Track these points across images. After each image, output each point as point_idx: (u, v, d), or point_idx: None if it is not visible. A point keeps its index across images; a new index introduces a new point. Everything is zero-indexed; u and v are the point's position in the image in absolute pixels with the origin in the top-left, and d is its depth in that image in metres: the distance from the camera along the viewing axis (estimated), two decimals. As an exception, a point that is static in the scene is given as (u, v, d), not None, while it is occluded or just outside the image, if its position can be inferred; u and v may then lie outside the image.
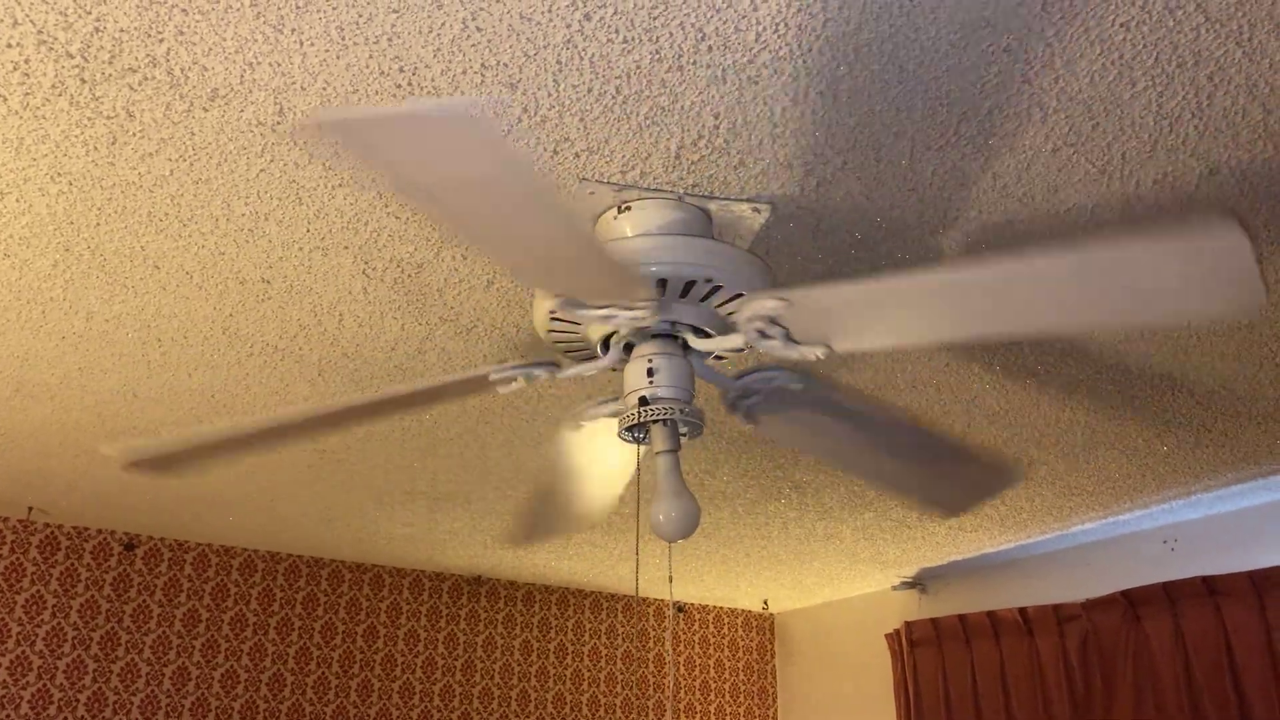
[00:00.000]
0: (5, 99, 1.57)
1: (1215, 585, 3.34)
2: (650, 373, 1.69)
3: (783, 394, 1.82)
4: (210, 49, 1.46)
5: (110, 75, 1.51)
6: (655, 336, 1.73)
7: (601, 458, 2.01)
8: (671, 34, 1.41)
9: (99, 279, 2.11)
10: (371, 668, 4.64)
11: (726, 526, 3.91)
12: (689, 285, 1.66)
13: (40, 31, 1.43)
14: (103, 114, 1.60)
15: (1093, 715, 3.67)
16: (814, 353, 1.62)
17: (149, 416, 2.87)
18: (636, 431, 1.72)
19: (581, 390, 2.61)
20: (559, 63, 1.47)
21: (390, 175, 1.21)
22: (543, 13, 1.37)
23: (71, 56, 1.47)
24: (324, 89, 1.53)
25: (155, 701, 4.16)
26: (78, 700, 4.01)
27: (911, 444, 2.04)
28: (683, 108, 1.55)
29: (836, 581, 4.85)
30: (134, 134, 1.64)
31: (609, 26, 1.40)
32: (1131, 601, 3.59)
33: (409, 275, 2.07)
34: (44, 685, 3.97)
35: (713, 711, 5.36)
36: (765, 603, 5.46)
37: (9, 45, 1.45)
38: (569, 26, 1.40)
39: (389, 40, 1.43)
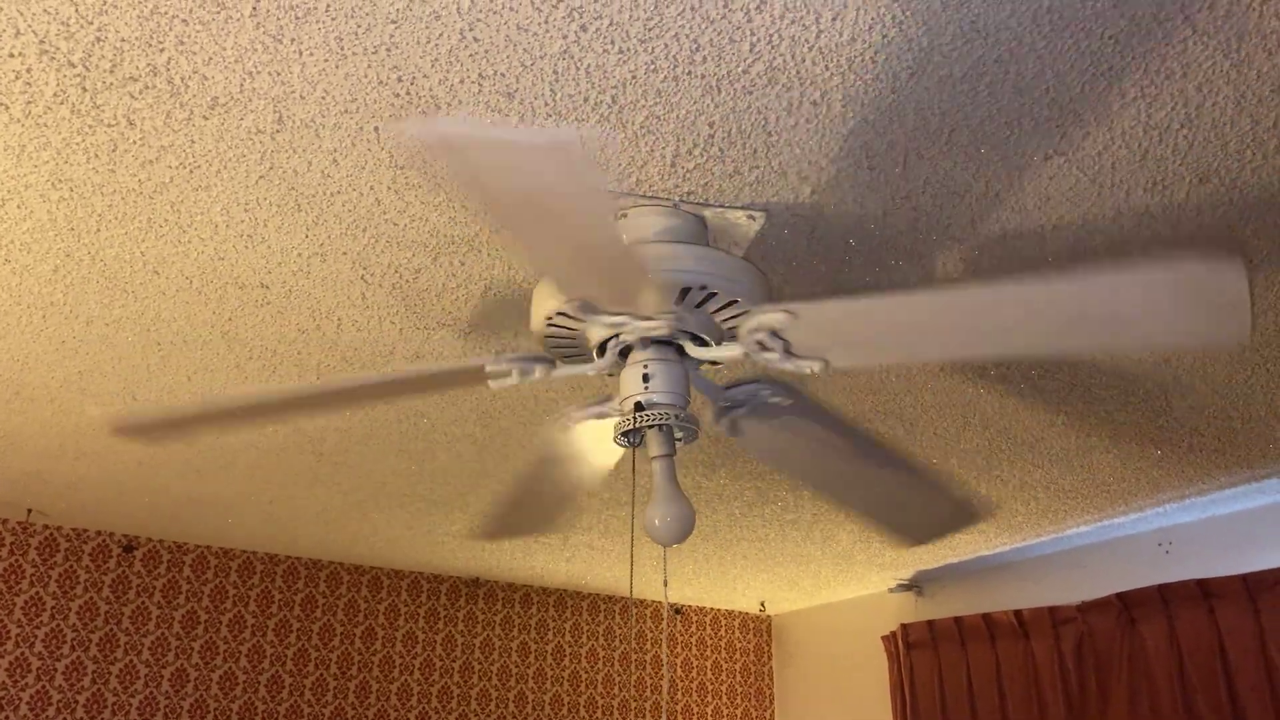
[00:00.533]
0: (7, 107, 1.58)
1: (1209, 588, 3.36)
2: (646, 378, 1.70)
3: (767, 407, 1.84)
4: (210, 58, 1.47)
5: (111, 84, 1.53)
6: (653, 342, 1.74)
7: (585, 458, 2.02)
8: (666, 45, 1.42)
9: (99, 284, 2.13)
10: (370, 669, 4.66)
11: (724, 529, 3.93)
12: (701, 294, 1.67)
13: (42, 41, 1.44)
14: (104, 122, 1.61)
15: (1087, 717, 3.69)
16: (810, 367, 1.64)
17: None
18: (632, 436, 1.74)
19: (578, 394, 2.62)
20: (555, 73, 1.48)
21: (471, 186, 1.25)
22: (539, 24, 1.39)
23: (73, 66, 1.49)
24: (323, 98, 1.55)
25: (154, 703, 4.17)
26: (76, 702, 4.03)
27: (884, 473, 2.07)
28: (678, 117, 1.57)
29: (833, 584, 4.87)
30: (134, 142, 1.66)
31: (605, 38, 1.41)
32: (1126, 604, 3.61)
33: (406, 281, 2.09)
34: (43, 686, 3.98)
35: (710, 713, 5.37)
36: (762, 605, 5.48)
37: (11, 55, 1.47)
38: (565, 37, 1.41)
39: (387, 50, 1.45)
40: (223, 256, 2.01)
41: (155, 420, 1.94)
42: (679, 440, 1.74)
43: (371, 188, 1.78)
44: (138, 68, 1.49)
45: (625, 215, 1.79)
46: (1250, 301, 1.35)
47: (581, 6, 1.36)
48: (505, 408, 2.76)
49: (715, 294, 1.66)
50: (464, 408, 2.77)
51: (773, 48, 1.42)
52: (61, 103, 1.57)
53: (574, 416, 1.88)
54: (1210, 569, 3.43)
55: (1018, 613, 4.04)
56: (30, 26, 1.41)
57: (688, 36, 1.41)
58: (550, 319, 1.70)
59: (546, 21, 1.39)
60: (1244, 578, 3.27)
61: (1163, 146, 1.63)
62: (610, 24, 1.39)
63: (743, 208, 1.80)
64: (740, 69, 1.47)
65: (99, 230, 1.93)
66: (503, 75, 1.49)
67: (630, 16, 1.37)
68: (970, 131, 1.59)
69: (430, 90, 1.52)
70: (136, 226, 1.91)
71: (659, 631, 5.45)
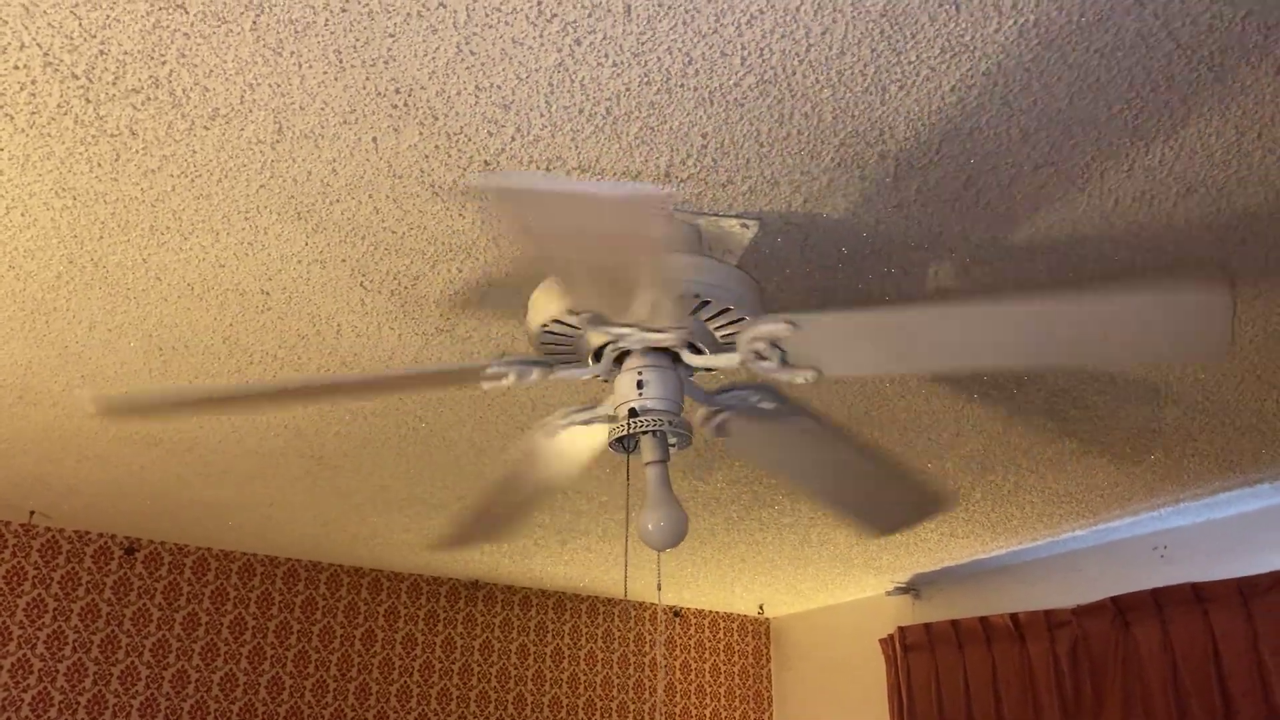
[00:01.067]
0: (12, 117, 1.61)
1: (1203, 592, 3.38)
2: (640, 384, 1.73)
3: (753, 411, 1.87)
4: (211, 70, 1.50)
5: (114, 95, 1.55)
6: (650, 349, 1.76)
7: (563, 463, 2.04)
8: (659, 58, 1.45)
9: (101, 290, 2.15)
10: (370, 671, 4.68)
11: (721, 532, 3.95)
12: (706, 306, 1.69)
13: (47, 54, 1.47)
14: (106, 132, 1.64)
15: (1083, 720, 3.71)
16: (805, 376, 1.67)
17: (150, 423, 2.92)
18: (627, 442, 1.76)
19: (576, 399, 2.65)
20: (550, 85, 1.51)
21: (530, 230, 1.32)
22: (534, 38, 1.42)
23: (77, 77, 1.52)
24: (322, 109, 1.57)
25: (155, 704, 4.20)
26: (78, 703, 4.05)
27: (860, 468, 2.10)
28: (671, 128, 1.60)
29: (831, 586, 4.89)
30: (137, 151, 1.69)
31: (599, 51, 1.44)
32: (1121, 608, 3.63)
33: (405, 287, 2.11)
34: (45, 688, 4.01)
35: (708, 715, 5.39)
36: (761, 607, 5.50)
37: (16, 67, 1.50)
38: (560, 50, 1.44)
39: (385, 63, 1.47)
40: (223, 263, 2.04)
41: (141, 401, 1.94)
42: (673, 446, 1.76)
43: (370, 196, 1.80)
44: (140, 79, 1.52)
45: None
46: (1232, 324, 1.45)
47: (576, 21, 1.38)
48: (503, 412, 2.79)
49: (719, 305, 1.68)
50: (462, 412, 2.79)
51: (764, 61, 1.45)
52: (65, 113, 1.60)
53: (557, 424, 1.90)
54: (1204, 573, 3.45)
55: (1014, 616, 4.06)
56: (35, 39, 1.44)
57: (680, 50, 1.43)
58: (550, 323, 1.72)
59: (541, 35, 1.41)
60: (1238, 582, 3.29)
61: (1149, 158, 1.65)
62: (604, 38, 1.41)
63: (736, 216, 1.83)
64: (732, 81, 1.49)
65: (101, 237, 1.95)
66: (499, 87, 1.52)
67: (624, 31, 1.40)
68: (959, 142, 1.62)
69: (428, 102, 1.55)
70: (139, 234, 1.94)
71: (657, 634, 5.47)
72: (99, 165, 1.73)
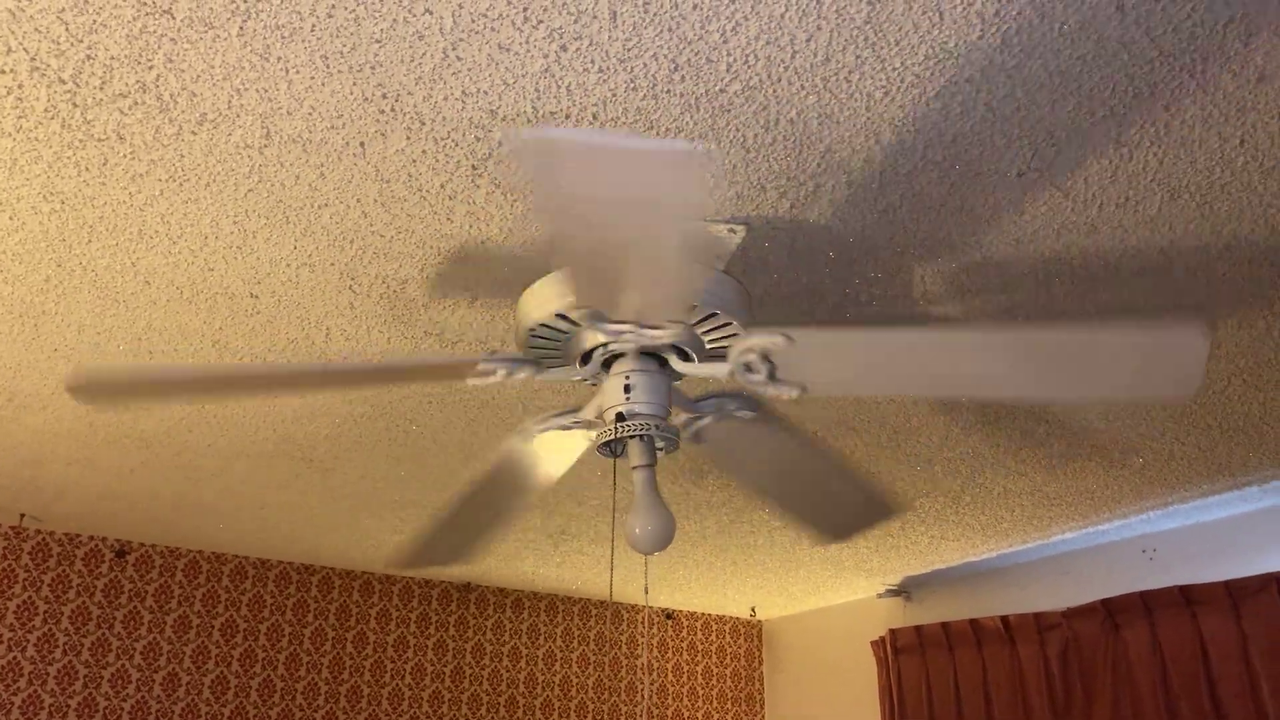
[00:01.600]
0: (-1, 122, 1.61)
1: (1192, 595, 3.39)
2: (628, 389, 1.73)
3: (729, 419, 1.88)
4: (199, 75, 1.50)
5: (101, 100, 1.56)
6: (639, 354, 1.76)
7: (540, 469, 2.04)
8: (645, 64, 1.45)
9: (90, 294, 2.15)
10: (361, 674, 4.68)
11: (713, 535, 3.96)
12: (705, 313, 1.69)
13: (33, 59, 1.47)
14: (94, 137, 1.64)
15: (1072, 722, 3.73)
16: (791, 392, 1.68)
17: (140, 426, 2.92)
18: (614, 446, 1.77)
19: (566, 400, 2.65)
20: (537, 91, 1.51)
21: (558, 184, 1.24)
22: (520, 44, 1.42)
23: (64, 82, 1.52)
24: (309, 114, 1.58)
25: (145, 707, 4.19)
26: (68, 706, 4.04)
27: (824, 477, 2.13)
28: (658, 133, 1.60)
29: (823, 589, 4.90)
30: (124, 156, 1.69)
31: (585, 57, 1.44)
32: (1110, 610, 3.65)
33: (394, 291, 2.12)
34: (35, 691, 4.00)
35: (700, 717, 5.40)
36: (753, 610, 5.51)
37: (3, 71, 1.50)
38: (546, 57, 1.45)
39: (372, 69, 1.48)
40: (212, 267, 2.04)
41: (114, 380, 1.89)
42: (660, 450, 1.77)
43: (358, 200, 1.81)
44: (127, 84, 1.52)
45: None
46: (1205, 366, 1.55)
47: (562, 27, 1.39)
48: (494, 415, 2.79)
49: (721, 317, 1.69)
50: (453, 415, 2.79)
51: (749, 67, 1.46)
52: (53, 118, 1.60)
53: (534, 429, 1.90)
54: (1193, 575, 3.47)
55: (1004, 618, 4.07)
56: (22, 44, 1.44)
57: (666, 56, 1.44)
58: (546, 320, 1.70)
59: (528, 42, 1.42)
60: (1226, 584, 3.30)
61: (1133, 163, 1.66)
62: (590, 44, 1.42)
63: (723, 221, 1.83)
64: (718, 88, 1.50)
65: (90, 241, 1.96)
66: (485, 93, 1.52)
67: (610, 37, 1.40)
68: (944, 148, 1.62)
69: (414, 107, 1.55)
70: (127, 238, 1.94)
71: (646, 637, 5.47)
72: (87, 169, 1.73)
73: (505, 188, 1.76)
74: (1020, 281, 2.01)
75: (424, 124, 1.59)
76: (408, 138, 1.63)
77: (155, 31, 1.41)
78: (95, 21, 1.40)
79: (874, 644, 4.71)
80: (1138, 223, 1.82)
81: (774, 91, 1.50)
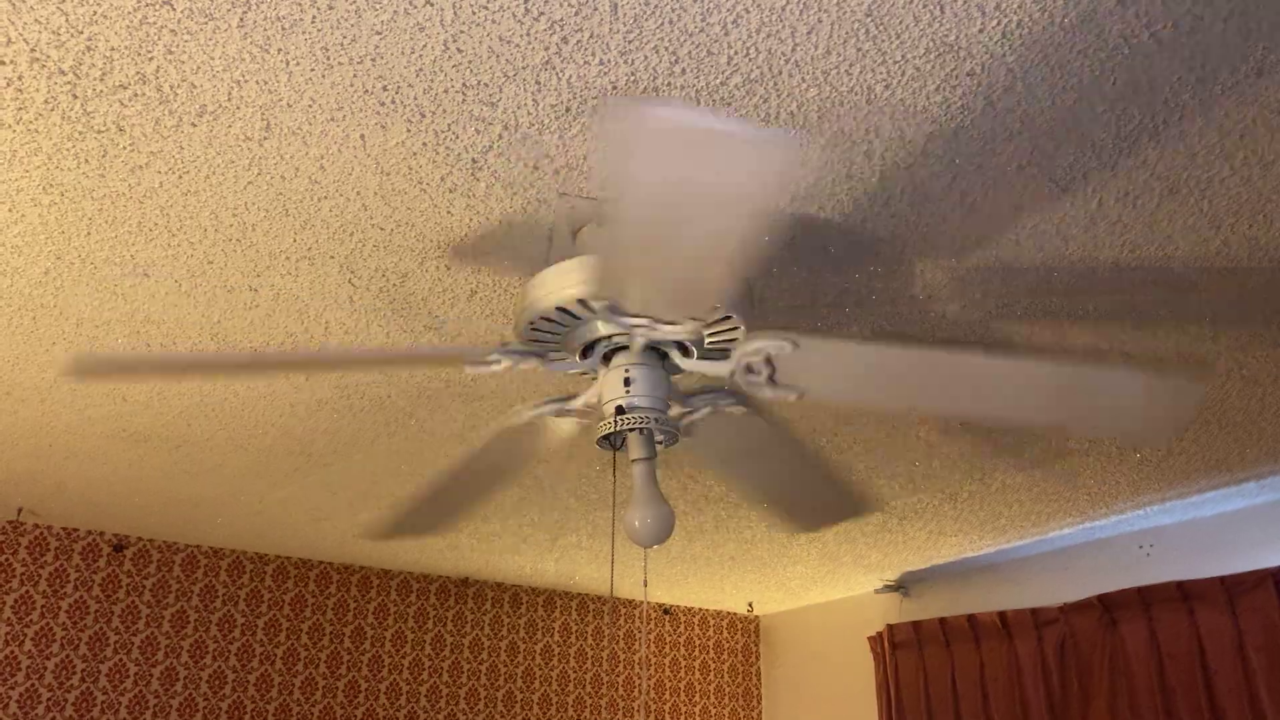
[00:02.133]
0: (-1, 113, 1.61)
1: (1189, 590, 3.40)
2: (628, 382, 1.73)
3: (719, 414, 1.88)
4: (199, 67, 1.50)
5: (101, 91, 1.55)
6: (641, 347, 1.76)
7: (533, 453, 2.05)
8: (646, 57, 1.45)
9: (89, 286, 2.15)
10: (359, 668, 4.68)
11: (711, 530, 3.96)
12: (718, 313, 1.68)
13: (33, 50, 1.47)
14: (94, 128, 1.64)
15: (1069, 717, 3.73)
16: (788, 395, 1.68)
17: (138, 420, 2.92)
18: (614, 439, 1.76)
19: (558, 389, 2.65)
20: (538, 83, 1.51)
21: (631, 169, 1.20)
22: (521, 36, 1.42)
23: (64, 73, 1.52)
24: (309, 106, 1.58)
25: (143, 701, 4.19)
26: (65, 700, 4.04)
27: (802, 472, 2.14)
28: (658, 126, 1.60)
29: (820, 584, 4.90)
30: (124, 147, 1.69)
31: (585, 49, 1.44)
32: (1107, 606, 3.65)
33: (394, 284, 2.12)
34: (32, 685, 4.00)
35: (698, 713, 5.41)
36: (750, 605, 5.51)
37: (2, 62, 1.49)
38: (547, 49, 1.45)
39: (372, 60, 1.48)
40: (211, 260, 2.04)
41: (111, 363, 1.91)
42: (659, 444, 1.77)
43: (358, 193, 1.80)
44: (127, 76, 1.52)
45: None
46: (1191, 419, 1.67)
47: (563, 19, 1.39)
48: (493, 409, 2.79)
49: (736, 319, 1.67)
50: (451, 409, 2.80)
51: (750, 60, 1.46)
52: (52, 109, 1.60)
53: (526, 412, 1.90)
54: (1190, 571, 3.47)
55: (1001, 614, 4.08)
56: (21, 35, 1.44)
57: (667, 49, 1.44)
58: (557, 307, 1.65)
59: (529, 34, 1.42)
60: (1223, 580, 3.31)
61: (1131, 157, 1.66)
62: (591, 36, 1.42)
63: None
64: (719, 80, 1.50)
65: (89, 233, 1.95)
66: (485, 85, 1.52)
67: (610, 29, 1.40)
68: (944, 141, 1.63)
69: (415, 99, 1.55)
70: (126, 230, 1.94)
71: (644, 631, 5.48)
72: (86, 161, 1.73)
73: (505, 181, 1.76)
74: (1020, 275, 2.01)
75: (424, 116, 1.59)
76: (408, 130, 1.63)
77: (155, 23, 1.41)
78: (95, 12, 1.40)
79: (871, 639, 4.72)
80: (1137, 217, 1.82)
81: (774, 84, 1.50)
